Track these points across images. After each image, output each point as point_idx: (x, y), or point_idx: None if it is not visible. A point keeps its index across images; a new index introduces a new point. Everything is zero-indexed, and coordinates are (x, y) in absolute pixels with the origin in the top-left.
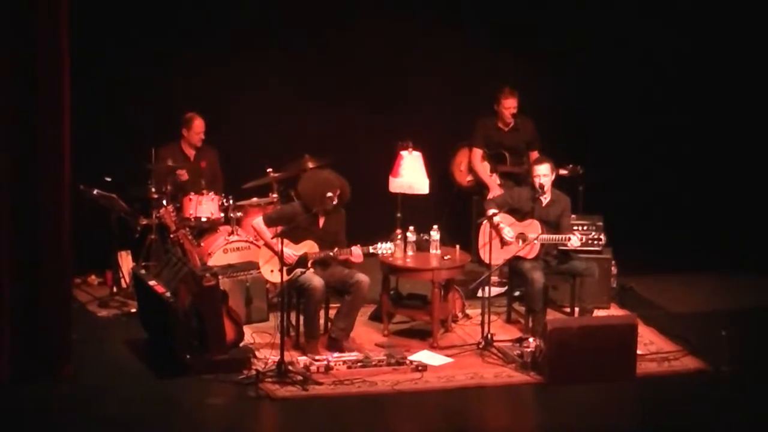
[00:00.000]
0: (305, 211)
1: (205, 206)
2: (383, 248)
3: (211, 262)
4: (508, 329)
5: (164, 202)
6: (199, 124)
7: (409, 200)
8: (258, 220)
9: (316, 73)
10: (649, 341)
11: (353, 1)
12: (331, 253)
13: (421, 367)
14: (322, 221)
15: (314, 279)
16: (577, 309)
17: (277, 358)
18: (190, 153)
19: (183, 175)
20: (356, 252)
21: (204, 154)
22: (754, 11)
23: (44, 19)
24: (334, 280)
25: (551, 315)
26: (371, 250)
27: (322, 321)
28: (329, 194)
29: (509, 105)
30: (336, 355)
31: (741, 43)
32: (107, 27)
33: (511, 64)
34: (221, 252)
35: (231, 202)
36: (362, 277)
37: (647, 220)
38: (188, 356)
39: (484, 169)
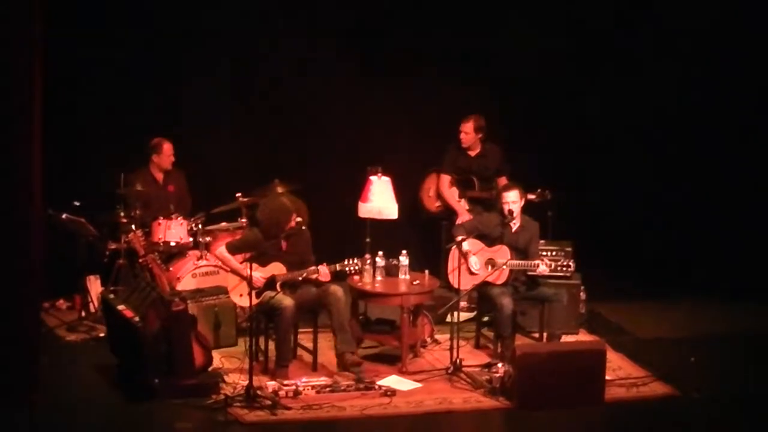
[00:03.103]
0: (265, 237)
1: (174, 231)
2: (350, 264)
3: (179, 287)
4: (477, 354)
5: (133, 226)
6: (168, 148)
7: (379, 225)
8: (221, 250)
9: (284, 97)
10: (617, 366)
11: (322, 25)
12: (300, 278)
13: (390, 392)
14: (285, 244)
15: (285, 299)
16: (545, 334)
17: (245, 383)
18: (159, 177)
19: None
20: (323, 271)
21: (172, 177)
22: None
23: (17, 46)
24: (305, 300)
25: (520, 340)
26: (338, 268)
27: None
28: (282, 220)
29: (462, 128)
30: (305, 379)
31: (718, 63)
32: (78, 52)
33: (480, 90)
34: (190, 276)
35: (200, 226)
36: (333, 287)
37: (616, 246)
38: (157, 381)
39: (452, 194)
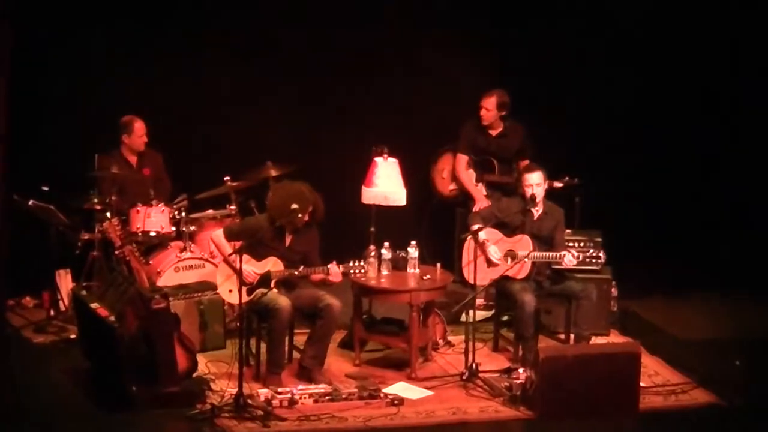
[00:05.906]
0: (270, 224)
1: (155, 219)
2: (356, 267)
3: (160, 282)
4: (496, 358)
5: (108, 214)
6: (140, 127)
7: (384, 213)
8: (218, 233)
9: (280, 73)
10: (653, 372)
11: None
12: (296, 272)
13: (397, 401)
14: (289, 239)
15: (280, 299)
16: (572, 335)
17: (235, 391)
18: (132, 160)
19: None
20: (334, 270)
21: (147, 159)
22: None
23: None
24: (301, 303)
25: (543, 342)
26: (342, 270)
27: (287, 348)
28: (294, 206)
29: (483, 104)
30: (301, 387)
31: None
32: (46, 28)
33: (501, 62)
34: (172, 270)
35: (183, 214)
36: (333, 301)
37: (651, 236)
38: (135, 388)
39: (469, 177)
